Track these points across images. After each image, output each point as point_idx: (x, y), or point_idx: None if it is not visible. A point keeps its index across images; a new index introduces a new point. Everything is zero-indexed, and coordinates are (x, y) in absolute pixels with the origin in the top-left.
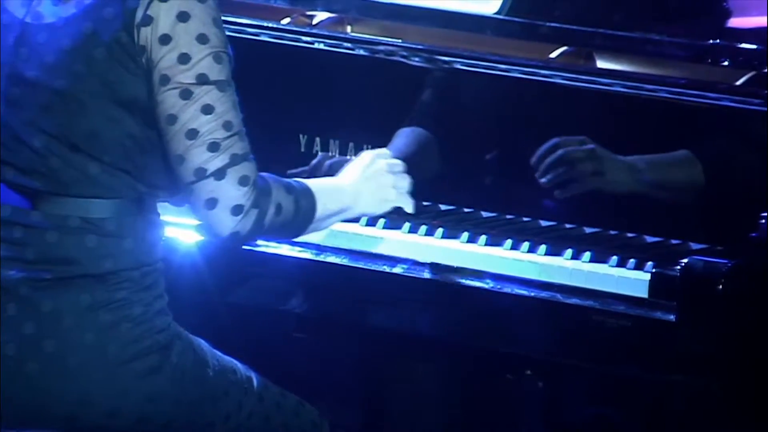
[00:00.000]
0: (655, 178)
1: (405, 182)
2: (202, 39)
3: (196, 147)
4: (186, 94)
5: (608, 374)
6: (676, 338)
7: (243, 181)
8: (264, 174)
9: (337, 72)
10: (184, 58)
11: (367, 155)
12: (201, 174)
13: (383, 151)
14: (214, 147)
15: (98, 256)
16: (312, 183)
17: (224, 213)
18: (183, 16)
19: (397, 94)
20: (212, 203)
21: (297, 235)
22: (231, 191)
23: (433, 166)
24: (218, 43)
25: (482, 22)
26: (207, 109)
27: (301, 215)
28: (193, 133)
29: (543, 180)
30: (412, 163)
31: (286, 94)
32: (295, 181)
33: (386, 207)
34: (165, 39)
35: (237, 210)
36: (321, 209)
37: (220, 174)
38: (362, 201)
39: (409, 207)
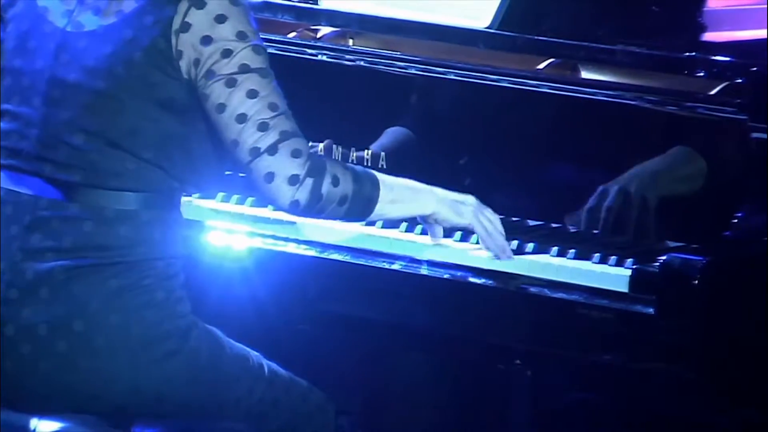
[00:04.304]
0: (661, 188)
1: (489, 220)
2: (240, 36)
3: (248, 129)
4: (231, 83)
5: (592, 363)
6: (654, 330)
7: (295, 153)
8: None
9: (339, 82)
10: (226, 53)
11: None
12: (255, 153)
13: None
14: (263, 126)
15: (130, 245)
16: (381, 174)
17: (282, 184)
18: (220, 18)
19: (396, 102)
20: (270, 177)
21: (365, 216)
22: (285, 163)
23: (428, 170)
24: (255, 38)
25: (475, 35)
26: (252, 94)
27: (364, 192)
28: (242, 117)
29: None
30: (405, 166)
31: (292, 103)
32: (358, 166)
33: (457, 218)
34: (206, 40)
35: (293, 180)
36: (386, 192)
37: (272, 149)
38: (435, 198)
39: (503, 254)
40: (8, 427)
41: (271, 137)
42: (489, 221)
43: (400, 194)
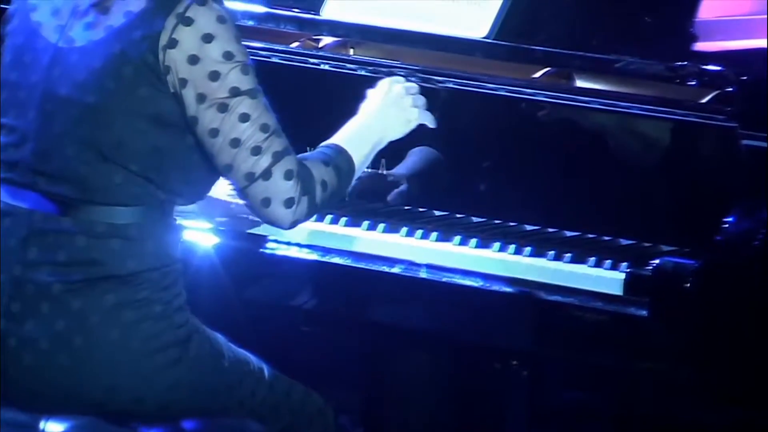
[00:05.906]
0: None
1: (421, 99)
2: (227, 56)
3: (241, 153)
4: (223, 108)
5: (586, 364)
6: (648, 332)
7: (288, 175)
8: (300, 157)
9: (341, 90)
10: (214, 75)
11: (384, 82)
12: (251, 178)
13: (397, 78)
14: (256, 150)
15: (122, 258)
16: (340, 137)
17: (279, 208)
18: (207, 38)
19: None
20: (267, 202)
21: (346, 192)
22: (280, 187)
23: (426, 176)
24: (242, 56)
25: (472, 45)
26: (244, 118)
27: (344, 176)
28: (236, 142)
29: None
30: (404, 172)
31: (294, 110)
32: (325, 146)
33: (411, 126)
34: (193, 59)
35: (289, 202)
36: (357, 158)
37: (267, 174)
38: (390, 129)
39: (430, 122)
40: (17, 427)
41: (264, 161)
42: (423, 100)
43: (363, 148)
